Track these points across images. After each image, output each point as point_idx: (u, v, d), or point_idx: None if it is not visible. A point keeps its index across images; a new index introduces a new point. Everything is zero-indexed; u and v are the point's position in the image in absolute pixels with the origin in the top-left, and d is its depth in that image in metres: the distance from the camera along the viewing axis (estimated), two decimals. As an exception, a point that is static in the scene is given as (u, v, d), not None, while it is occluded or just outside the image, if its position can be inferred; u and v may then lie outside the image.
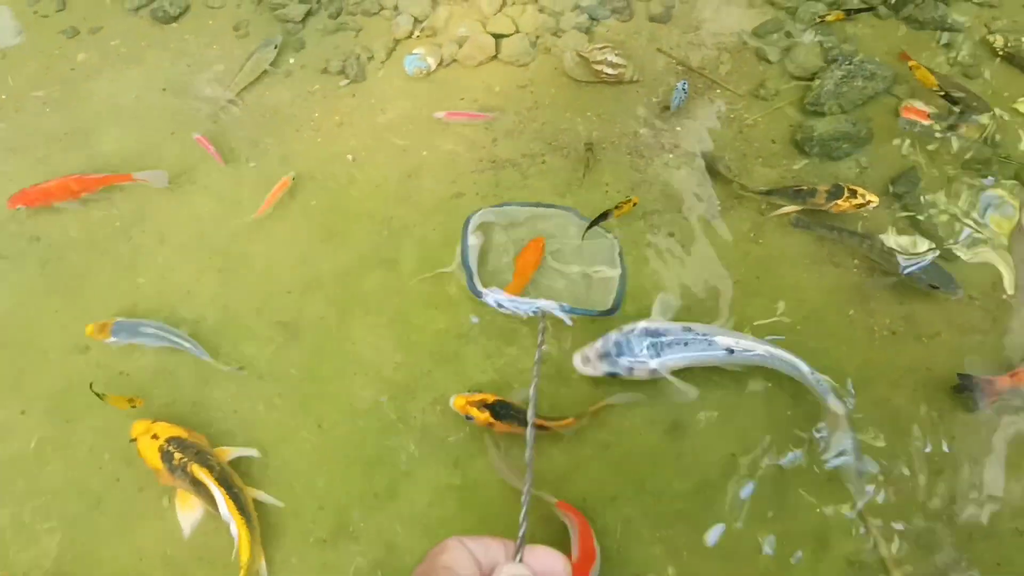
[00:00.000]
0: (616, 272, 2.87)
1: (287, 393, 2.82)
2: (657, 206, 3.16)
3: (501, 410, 2.59)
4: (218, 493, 2.41)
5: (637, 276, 2.98)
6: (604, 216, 2.90)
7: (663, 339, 2.62)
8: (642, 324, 2.67)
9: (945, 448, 2.61)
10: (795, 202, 3.03)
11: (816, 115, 3.34)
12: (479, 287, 2.76)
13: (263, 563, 2.48)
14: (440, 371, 2.84)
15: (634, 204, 3.01)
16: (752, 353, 2.63)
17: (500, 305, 2.70)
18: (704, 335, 2.64)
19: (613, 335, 2.66)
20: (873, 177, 3.18)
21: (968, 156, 3.19)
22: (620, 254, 2.91)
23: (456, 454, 2.68)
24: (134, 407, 2.70)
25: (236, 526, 2.41)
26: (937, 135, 3.22)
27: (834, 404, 2.59)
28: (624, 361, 2.63)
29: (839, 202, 2.97)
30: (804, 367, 2.61)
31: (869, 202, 2.96)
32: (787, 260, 3.02)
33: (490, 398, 2.62)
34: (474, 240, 2.95)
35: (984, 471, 2.56)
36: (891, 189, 3.12)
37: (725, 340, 2.63)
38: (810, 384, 2.61)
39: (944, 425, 2.65)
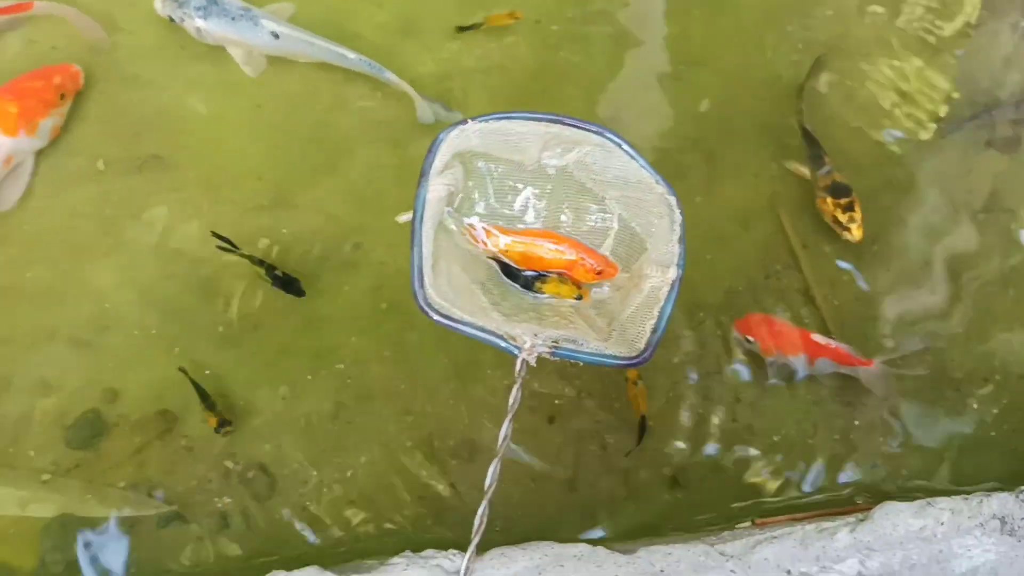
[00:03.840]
0: (668, 277, 1.88)
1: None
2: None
3: None
4: None
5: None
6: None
7: (217, 6, 2.70)
8: None
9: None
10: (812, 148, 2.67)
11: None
12: (427, 299, 1.76)
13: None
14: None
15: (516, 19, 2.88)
16: (300, 41, 2.73)
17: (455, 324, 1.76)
18: (254, 15, 2.72)
19: None
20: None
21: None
22: (681, 234, 1.91)
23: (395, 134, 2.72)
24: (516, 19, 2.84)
25: None
26: None
27: (392, 79, 2.70)
28: (179, 12, 2.72)
29: (828, 198, 2.56)
30: (351, 55, 2.70)
31: (847, 231, 2.51)
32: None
33: None
34: (440, 186, 1.88)
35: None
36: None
37: (270, 24, 2.71)
38: (364, 70, 2.72)
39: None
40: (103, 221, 2.59)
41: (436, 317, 1.73)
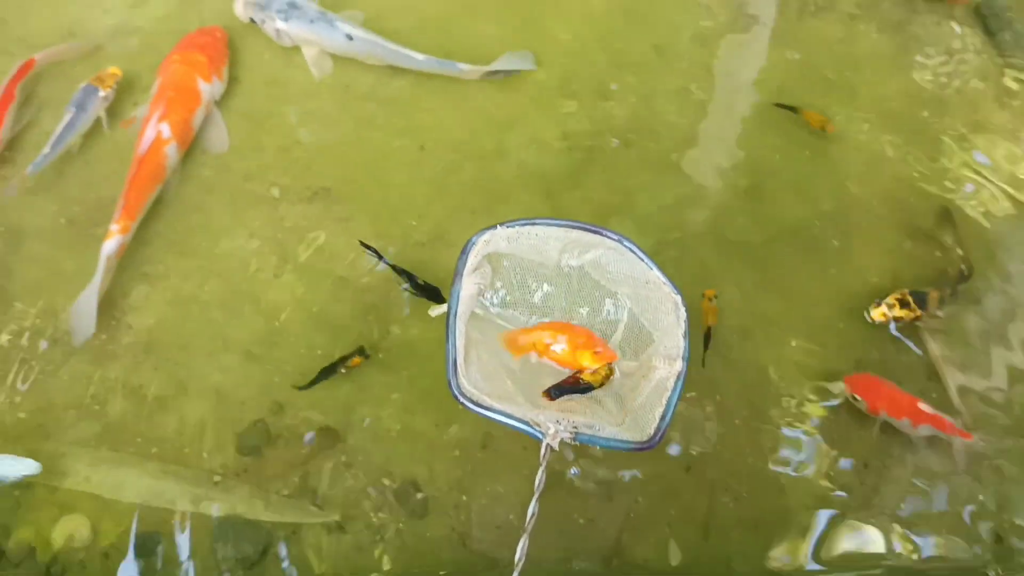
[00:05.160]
0: (674, 369, 1.97)
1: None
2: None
3: None
4: None
5: None
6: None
7: (297, 10, 3.02)
8: None
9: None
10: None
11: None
12: (460, 387, 1.92)
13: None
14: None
15: None
16: (371, 43, 3.02)
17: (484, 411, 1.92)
18: (330, 18, 3.04)
19: None
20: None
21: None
22: (685, 330, 2.01)
23: (548, 186, 2.90)
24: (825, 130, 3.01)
25: None
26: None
27: (465, 69, 3.03)
28: (261, 14, 3.03)
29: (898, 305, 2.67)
30: (419, 56, 3.00)
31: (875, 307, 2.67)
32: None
33: None
34: (472, 284, 2.07)
35: None
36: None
37: (345, 27, 3.01)
38: (435, 69, 3.03)
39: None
40: (276, 244, 2.80)
41: (467, 404, 1.88)
